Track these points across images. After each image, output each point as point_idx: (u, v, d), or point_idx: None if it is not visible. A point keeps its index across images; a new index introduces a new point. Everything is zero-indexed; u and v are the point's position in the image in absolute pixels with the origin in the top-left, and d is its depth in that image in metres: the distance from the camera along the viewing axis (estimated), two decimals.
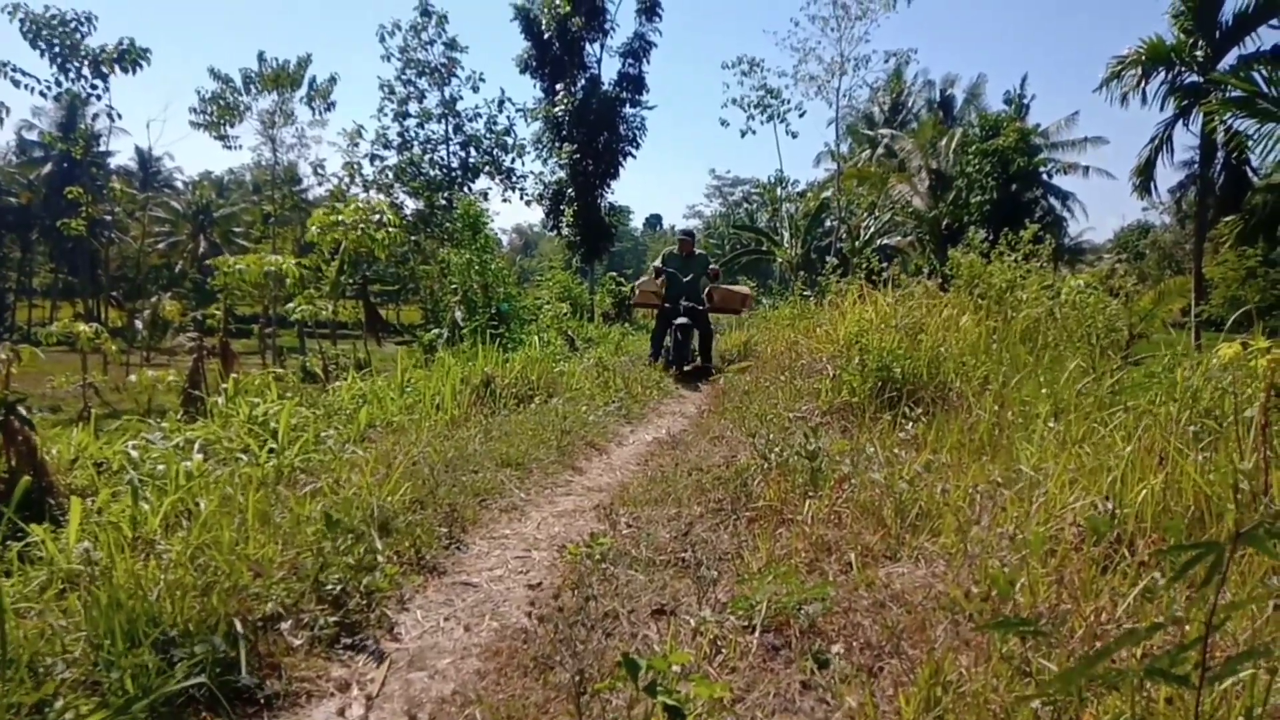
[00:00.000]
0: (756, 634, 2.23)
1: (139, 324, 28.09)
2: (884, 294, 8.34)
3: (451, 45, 24.68)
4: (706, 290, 10.30)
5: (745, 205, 53.21)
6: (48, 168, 38.42)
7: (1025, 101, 32.56)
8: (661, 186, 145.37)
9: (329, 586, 2.46)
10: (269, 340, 19.45)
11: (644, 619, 2.38)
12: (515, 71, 23.61)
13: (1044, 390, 5.14)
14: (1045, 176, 28.28)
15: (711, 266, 10.47)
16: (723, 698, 1.69)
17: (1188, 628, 1.96)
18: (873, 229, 29.51)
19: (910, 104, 37.23)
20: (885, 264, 11.11)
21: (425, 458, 4.07)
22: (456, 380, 6.20)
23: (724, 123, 27.83)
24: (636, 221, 76.45)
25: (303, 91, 22.96)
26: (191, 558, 2.46)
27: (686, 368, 9.71)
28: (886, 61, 26.48)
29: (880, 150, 33.32)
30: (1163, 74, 20.04)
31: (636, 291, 12.32)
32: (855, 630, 2.31)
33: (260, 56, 22.20)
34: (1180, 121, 20.50)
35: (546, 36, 22.21)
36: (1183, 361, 4.96)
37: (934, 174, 29.14)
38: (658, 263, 10.61)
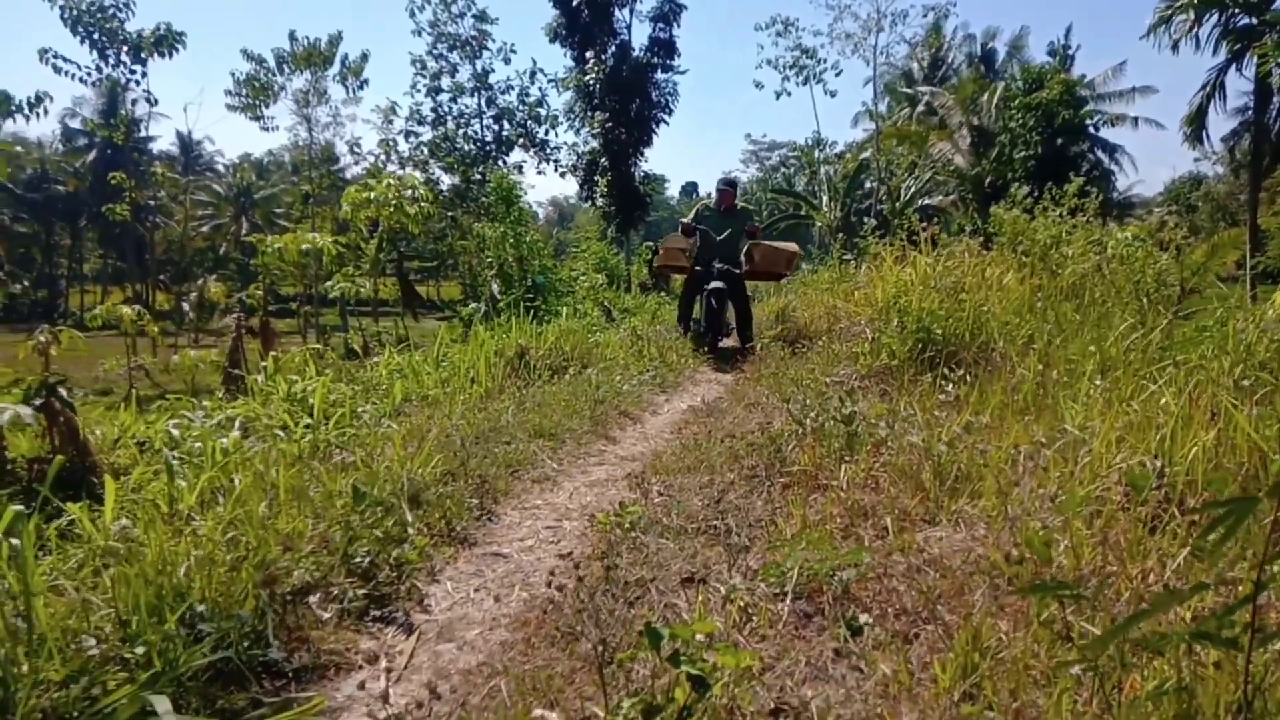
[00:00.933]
0: (788, 601, 2.18)
1: (186, 306, 28.67)
2: (924, 254, 8.17)
3: (481, 17, 24.58)
4: (746, 249, 8.78)
5: (783, 169, 52.56)
6: (92, 155, 39.18)
7: (1070, 52, 31.61)
8: (697, 153, 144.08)
9: (358, 559, 2.46)
10: (311, 318, 19.68)
11: (673, 587, 2.35)
12: (545, 41, 23.45)
13: (1090, 348, 5.00)
14: (1091, 129, 27.46)
15: (753, 223, 8.86)
16: (750, 666, 1.64)
17: (1240, 588, 1.87)
18: (913, 189, 28.96)
19: (950, 59, 36.28)
20: (925, 224, 10.75)
21: (458, 430, 4.07)
22: (490, 353, 6.20)
23: (758, 85, 27.46)
24: (672, 190, 75.94)
25: (335, 69, 23.02)
26: (224, 533, 2.47)
27: (722, 343, 8.63)
28: (925, 16, 25.90)
29: (920, 108, 32.56)
30: (1215, 17, 19.28)
31: (661, 250, 10.58)
32: (890, 596, 2.25)
33: (291, 35, 22.29)
34: (1233, 66, 19.75)
35: (575, 3, 21.99)
36: (1236, 315, 4.78)
37: (976, 130, 28.42)
38: (689, 217, 9.07)
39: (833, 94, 26.50)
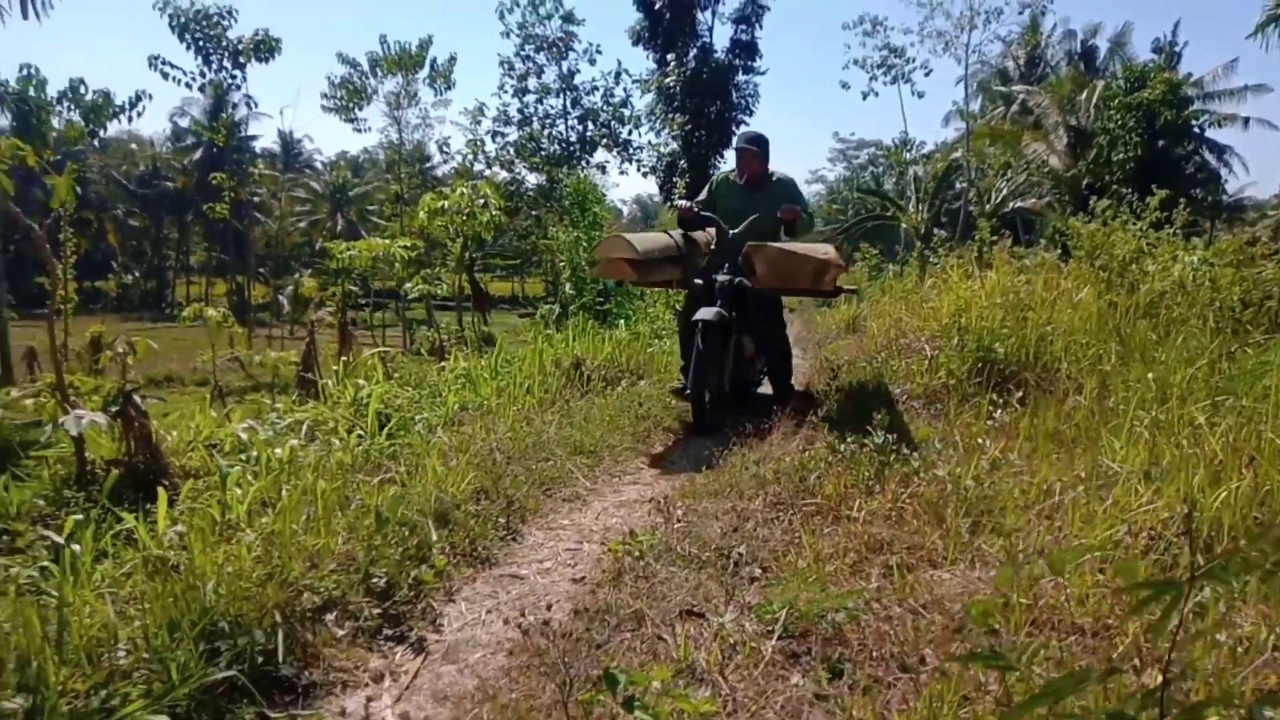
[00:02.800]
0: (773, 641, 2.24)
1: (283, 299, 29.91)
2: (997, 266, 7.98)
3: (568, 19, 24.96)
4: (744, 253, 5.30)
5: (871, 169, 51.67)
6: (199, 153, 41.15)
7: (1177, 49, 30.12)
8: (782, 152, 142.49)
9: (376, 579, 2.61)
10: (402, 313, 20.34)
11: (670, 620, 2.43)
12: (629, 44, 23.69)
13: (1149, 374, 4.86)
14: (1198, 130, 26.17)
15: (790, 207, 5.53)
16: (708, 713, 1.71)
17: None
18: (1004, 191, 28.12)
19: (1048, 56, 35.05)
20: (1006, 231, 10.36)
21: (500, 444, 4.21)
22: (548, 362, 6.37)
23: (844, 85, 27.05)
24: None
25: (425, 72, 23.70)
26: (262, 546, 2.65)
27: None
28: (1020, 13, 25.13)
29: (1014, 107, 31.58)
30: None
31: (599, 260, 6.11)
32: (881, 640, 2.28)
33: (382, 40, 23.03)
34: None
35: (658, 7, 22.15)
36: None
37: (1072, 130, 27.40)
38: (700, 197, 6.13)
39: (920, 94, 26.00)
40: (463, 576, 2.88)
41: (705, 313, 5.16)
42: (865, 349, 8.07)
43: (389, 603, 2.57)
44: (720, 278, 5.38)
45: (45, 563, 2.63)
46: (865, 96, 25.27)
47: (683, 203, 6.15)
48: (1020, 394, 4.85)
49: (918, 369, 6.10)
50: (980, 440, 4.13)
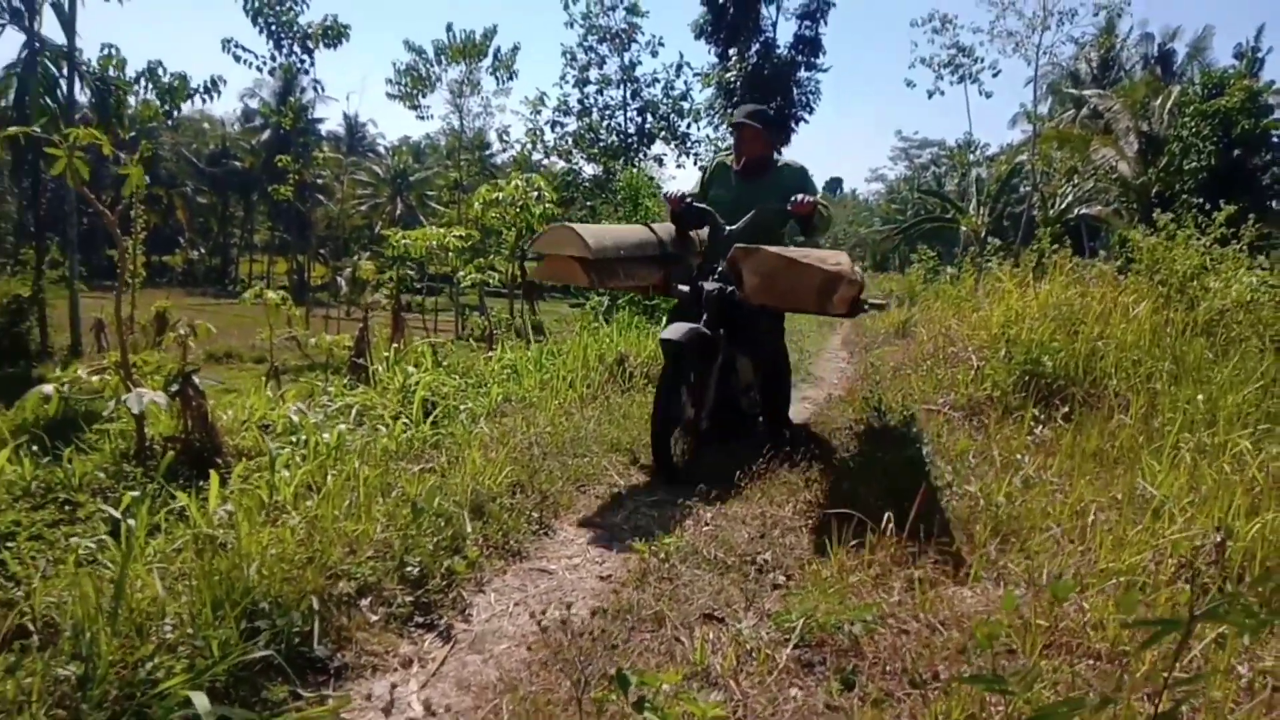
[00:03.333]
0: (788, 649, 2.29)
1: (341, 281, 30.53)
2: (1051, 277, 7.85)
3: (633, 10, 24.92)
4: (730, 256, 3.98)
5: (933, 169, 50.94)
6: (266, 134, 42.15)
7: (1259, 55, 29.14)
8: (843, 149, 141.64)
9: (410, 567, 2.71)
10: (455, 299, 20.64)
11: (690, 623, 2.49)
12: (691, 38, 23.65)
13: (1199, 395, 4.78)
14: (1277, 140, 25.26)
15: (798, 200, 4.35)
16: (717, 717, 1.77)
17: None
18: (1070, 197, 27.50)
19: (1123, 59, 34.15)
20: (1066, 239, 10.13)
21: (539, 438, 4.30)
22: (593, 357, 6.45)
23: (910, 84, 26.59)
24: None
25: (488, 61, 23.93)
26: (305, 529, 2.78)
27: (704, 439, 4.50)
28: (1096, 15, 24.51)
29: (1085, 111, 30.83)
30: None
31: (540, 262, 5.15)
32: (896, 654, 2.31)
33: (449, 28, 23.32)
34: None
35: (722, 1, 22.06)
36: None
37: (1144, 137, 26.65)
38: (688, 188, 4.97)
39: (988, 95, 25.52)
40: (494, 568, 2.98)
41: (674, 330, 4.05)
42: (912, 356, 8.01)
43: (421, 590, 2.68)
44: (708, 285, 4.28)
45: (103, 535, 2.79)
46: (930, 95, 24.88)
47: (672, 190, 4.92)
48: (1066, 409, 4.81)
49: (963, 379, 6.06)
50: (1018, 456, 4.10)
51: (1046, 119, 31.08)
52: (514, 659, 2.35)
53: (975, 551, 3.06)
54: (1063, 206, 27.12)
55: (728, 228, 4.49)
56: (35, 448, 3.82)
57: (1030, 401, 5.17)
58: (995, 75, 24.97)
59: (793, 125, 23.05)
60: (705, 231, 4.93)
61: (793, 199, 4.36)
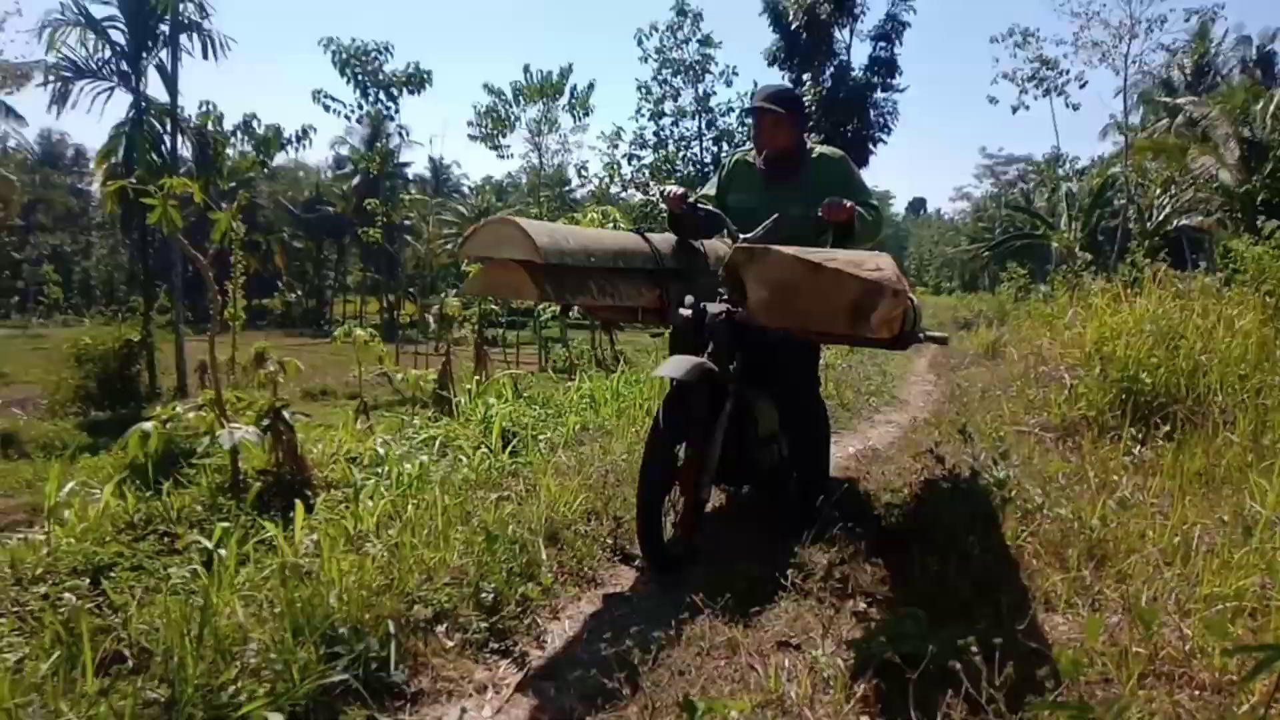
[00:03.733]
0: (865, 679, 2.22)
1: (429, 318, 31.37)
2: (1148, 291, 7.53)
3: (705, 42, 25.18)
4: (728, 264, 3.03)
5: (1020, 185, 49.64)
6: (356, 179, 43.78)
7: None
8: (925, 169, 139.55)
9: (485, 593, 2.74)
10: (539, 330, 20.98)
11: (766, 650, 2.44)
12: (764, 65, 23.72)
13: None
14: None
15: (834, 201, 3.33)
16: None
17: None
18: (1168, 208, 26.41)
19: (1219, 64, 32.77)
20: (1165, 252, 9.71)
21: (614, 466, 4.31)
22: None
23: (992, 100, 26.09)
24: (898, 206, 73.70)
25: (564, 99, 24.40)
26: (385, 557, 2.84)
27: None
28: (1187, 20, 23.66)
29: (1180, 120, 29.64)
30: None
31: (483, 269, 3.66)
32: (976, 684, 2.21)
33: (525, 69, 23.90)
34: None
35: (794, 27, 22.11)
36: None
37: (1245, 143, 25.45)
38: (705, 189, 4.11)
39: (1075, 107, 24.88)
40: (568, 595, 2.98)
41: (673, 365, 3.17)
42: (1002, 377, 7.77)
43: (496, 617, 2.69)
44: (712, 308, 3.32)
45: (196, 565, 2.91)
46: (1015, 110, 24.40)
47: (672, 188, 3.91)
48: (1167, 428, 4.58)
49: (1055, 399, 5.85)
50: (1115, 477, 3.93)
51: (1139, 129, 30.02)
52: (587, 686, 2.34)
53: (1069, 577, 2.93)
54: (1160, 218, 26.06)
55: (741, 237, 3.51)
56: (138, 483, 4.01)
57: (1127, 421, 4.94)
58: (1082, 87, 24.40)
59: (870, 148, 22.79)
60: (713, 242, 4.11)
61: (825, 201, 3.35)
